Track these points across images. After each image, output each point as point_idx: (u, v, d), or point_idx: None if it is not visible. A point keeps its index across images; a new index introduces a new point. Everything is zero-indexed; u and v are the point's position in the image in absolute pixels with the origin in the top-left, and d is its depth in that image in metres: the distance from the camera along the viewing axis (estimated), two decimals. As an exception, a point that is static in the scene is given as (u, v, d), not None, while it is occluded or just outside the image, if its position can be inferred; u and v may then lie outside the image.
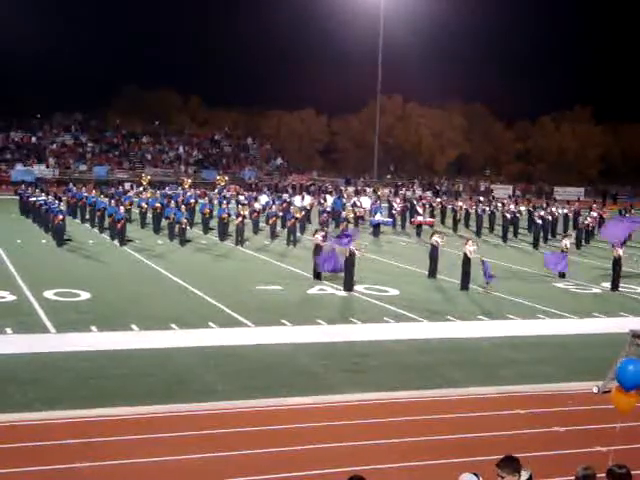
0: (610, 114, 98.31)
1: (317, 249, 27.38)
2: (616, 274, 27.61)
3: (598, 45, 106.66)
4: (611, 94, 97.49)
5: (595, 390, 15.30)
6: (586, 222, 42.48)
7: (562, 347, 19.29)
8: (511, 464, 7.03)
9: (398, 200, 50.78)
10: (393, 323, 21.02)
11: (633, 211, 48.34)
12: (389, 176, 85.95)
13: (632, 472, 7.35)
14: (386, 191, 69.05)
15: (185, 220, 36.38)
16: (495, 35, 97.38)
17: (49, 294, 22.63)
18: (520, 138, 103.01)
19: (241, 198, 49.46)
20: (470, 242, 27.49)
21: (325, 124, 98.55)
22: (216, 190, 57.44)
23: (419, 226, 43.94)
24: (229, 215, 38.08)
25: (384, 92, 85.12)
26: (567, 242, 30.59)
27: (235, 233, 36.35)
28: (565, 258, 29.50)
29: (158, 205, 40.80)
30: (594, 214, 45.78)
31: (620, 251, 28.03)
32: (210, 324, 19.77)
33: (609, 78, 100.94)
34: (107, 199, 42.46)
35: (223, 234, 37.56)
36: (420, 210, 47.55)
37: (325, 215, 41.41)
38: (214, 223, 40.03)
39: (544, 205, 50.01)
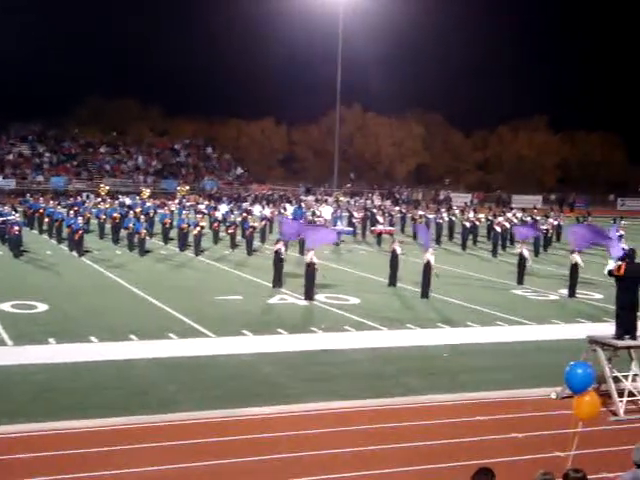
0: (567, 123, 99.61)
1: (278, 258, 27.40)
2: (573, 281, 27.93)
3: (554, 55, 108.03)
4: (567, 103, 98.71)
5: (554, 396, 15.45)
6: (543, 229, 42.93)
7: (521, 354, 19.46)
8: (485, 476, 6.98)
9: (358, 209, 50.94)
10: (354, 332, 21.06)
11: (590, 218, 48.90)
12: (349, 185, 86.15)
13: (589, 476, 7.44)
14: (346, 200, 69.28)
15: (144, 230, 36.17)
16: (453, 46, 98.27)
17: (6, 306, 22.36)
18: (478, 147, 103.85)
19: (201, 208, 49.35)
20: (430, 250, 27.72)
21: (285, 134, 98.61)
22: (176, 200, 57.20)
23: (379, 235, 44.11)
24: (189, 225, 37.93)
25: (343, 102, 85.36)
26: (525, 249, 30.85)
27: (194, 243, 36.22)
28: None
29: (117, 215, 40.52)
30: (551, 221, 46.38)
31: (578, 258, 28.38)
32: (170, 335, 19.64)
33: (565, 87, 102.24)
34: (65, 210, 42.08)
35: (183, 244, 37.39)
36: (380, 219, 47.78)
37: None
38: (174, 233, 39.84)
39: (503, 213, 50.47)
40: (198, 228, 36.63)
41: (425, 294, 26.43)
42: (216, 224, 41.91)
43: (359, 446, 12.58)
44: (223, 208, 48.10)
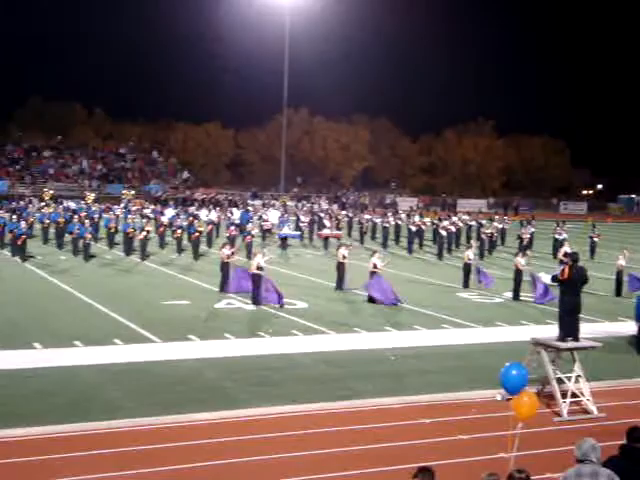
0: (511, 127, 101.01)
1: (224, 264, 27.30)
2: (517, 284, 28.28)
3: (498, 59, 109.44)
4: (511, 108, 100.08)
5: (498, 397, 15.60)
6: (488, 232, 43.44)
7: (466, 356, 19.65)
8: (424, 476, 7.02)
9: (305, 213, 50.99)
10: (301, 336, 21.07)
11: (534, 222, 49.55)
12: (296, 189, 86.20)
13: (533, 476, 7.55)
14: (293, 204, 69.33)
15: (89, 235, 35.75)
16: (400, 50, 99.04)
17: (-53, 313, 21.93)
18: (424, 151, 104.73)
19: (147, 212, 48.95)
20: (377, 254, 27.92)
21: (232, 137, 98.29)
22: (121, 204, 56.63)
23: (326, 239, 44.18)
24: (134, 230, 37.58)
25: (290, 106, 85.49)
26: (470, 253, 31.18)
27: (140, 248, 35.91)
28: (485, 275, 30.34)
29: (61, 220, 40.00)
30: (496, 225, 46.94)
31: (521, 261, 28.76)
32: (116, 341, 19.44)
33: (510, 92, 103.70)
34: (8, 214, 41.41)
35: (129, 249, 37.04)
36: (327, 223, 47.86)
37: (233, 228, 41.24)
38: (119, 238, 39.44)
39: (448, 216, 50.94)
40: (144, 232, 36.34)
41: (372, 298, 26.53)
42: (162, 228, 41.58)
43: (306, 450, 12.58)
44: (169, 212, 47.77)
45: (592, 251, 41.92)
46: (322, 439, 13.19)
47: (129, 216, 43.97)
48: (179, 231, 39.40)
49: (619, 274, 30.21)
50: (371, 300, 26.30)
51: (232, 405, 14.80)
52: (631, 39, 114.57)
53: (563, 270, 15.65)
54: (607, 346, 19.06)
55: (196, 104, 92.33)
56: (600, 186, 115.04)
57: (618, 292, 29.86)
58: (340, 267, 28.62)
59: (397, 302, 26.10)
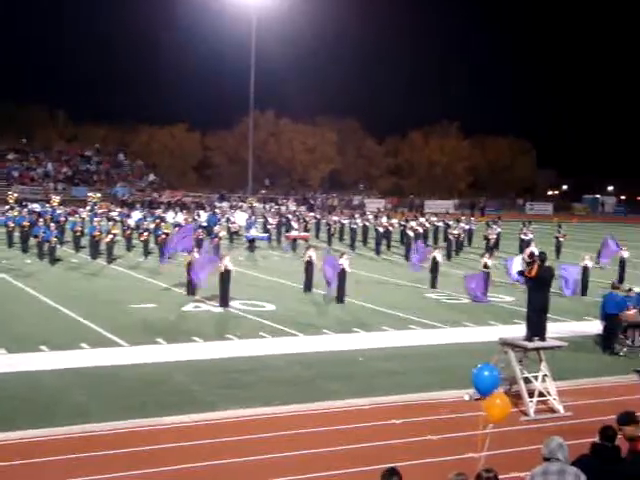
0: (477, 128, 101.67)
1: (190, 265, 27.18)
2: (484, 284, 28.44)
3: (463, 61, 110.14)
4: (477, 109, 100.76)
5: (466, 397, 15.70)
6: (455, 233, 43.66)
7: (434, 356, 19.74)
8: (391, 477, 7.03)
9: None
10: (270, 338, 21.04)
11: (500, 222, 49.87)
12: (264, 191, 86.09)
13: (501, 476, 7.60)
14: (260, 205, 69.24)
15: (54, 238, 35.43)
16: (366, 51, 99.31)
17: None
18: (391, 153, 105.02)
19: (113, 215, 48.62)
20: (345, 256, 27.96)
21: (198, 140, 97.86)
22: (87, 207, 56.20)
23: (294, 241, 44.17)
24: (101, 233, 37.30)
25: (257, 108, 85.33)
26: (438, 254, 31.33)
27: (106, 251, 35.66)
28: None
29: (26, 223, 39.61)
30: (463, 225, 47.21)
31: (488, 261, 28.97)
32: (82, 345, 19.29)
33: (475, 93, 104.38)
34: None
35: (95, 252, 36.76)
36: (295, 225, 47.86)
37: (200, 231, 41.09)
38: (85, 241, 39.14)
39: (416, 217, 51.14)
40: (110, 236, 36.09)
41: (340, 299, 26.59)
42: (129, 231, 41.31)
43: (277, 452, 12.57)
44: (136, 215, 47.46)
45: (558, 251, 42.28)
46: (293, 441, 13.18)
47: (95, 219, 43.69)
48: (146, 234, 39.19)
49: (585, 274, 30.50)
50: (339, 300, 26.37)
51: (201, 408, 14.74)
52: (597, 39, 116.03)
53: (531, 268, 15.76)
54: (573, 345, 19.30)
55: (162, 106, 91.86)
56: (565, 187, 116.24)
57: (584, 292, 30.13)
58: (308, 269, 28.62)
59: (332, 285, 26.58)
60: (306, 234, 47.58)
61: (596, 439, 8.35)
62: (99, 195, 68.36)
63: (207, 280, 26.07)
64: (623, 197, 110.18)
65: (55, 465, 11.81)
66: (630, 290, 22.49)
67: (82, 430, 13.33)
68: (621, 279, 31.43)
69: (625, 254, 33.98)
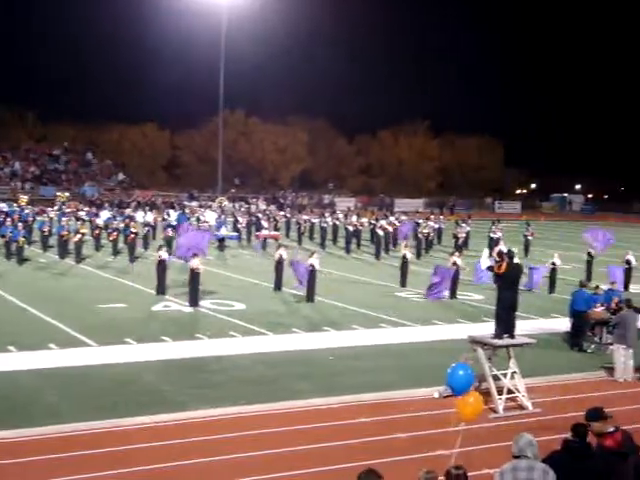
0: (446, 127, 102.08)
1: (161, 265, 27.10)
2: (454, 282, 28.58)
3: (432, 60, 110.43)
4: (446, 108, 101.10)
5: (436, 395, 15.78)
6: (425, 232, 43.82)
7: (404, 355, 19.80)
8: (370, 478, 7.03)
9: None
10: (240, 337, 21.01)
11: (469, 221, 50.12)
12: (234, 190, 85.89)
13: (470, 473, 7.65)
14: (230, 205, 69.09)
15: (22, 238, 35.12)
16: (336, 51, 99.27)
17: None
18: (361, 152, 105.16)
19: (81, 214, 48.29)
20: (315, 254, 28.01)
21: (168, 139, 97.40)
22: (55, 207, 55.77)
23: (264, 240, 44.12)
24: (69, 232, 37.02)
25: (227, 107, 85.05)
26: (407, 252, 31.45)
27: (75, 251, 35.40)
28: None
29: (-7, 223, 39.23)
30: (432, 224, 47.41)
31: (458, 260, 29.13)
32: (51, 345, 19.14)
33: (444, 92, 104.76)
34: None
35: (63, 252, 36.48)
36: (265, 224, 47.81)
37: (169, 230, 40.93)
38: (53, 241, 38.84)
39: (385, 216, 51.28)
40: (79, 235, 35.84)
41: (310, 298, 26.60)
42: (97, 231, 41.04)
43: (247, 451, 12.57)
44: (104, 214, 47.16)
45: (526, 249, 42.59)
46: (263, 440, 13.18)
47: (63, 218, 43.35)
48: (115, 233, 38.96)
49: (553, 272, 30.75)
50: (309, 299, 26.40)
51: (172, 408, 14.69)
52: (564, 37, 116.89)
53: (500, 265, 15.85)
54: (542, 343, 19.44)
55: (131, 105, 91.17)
56: (534, 185, 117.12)
57: (552, 289, 30.38)
58: (278, 268, 28.61)
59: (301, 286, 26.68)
60: (276, 233, 47.55)
61: (567, 435, 8.44)
62: (67, 194, 67.88)
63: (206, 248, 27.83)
64: (590, 195, 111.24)
65: (26, 467, 11.76)
66: (597, 287, 22.70)
67: (55, 431, 13.25)
68: (589, 277, 31.72)
69: (593, 252, 34.29)
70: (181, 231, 31.37)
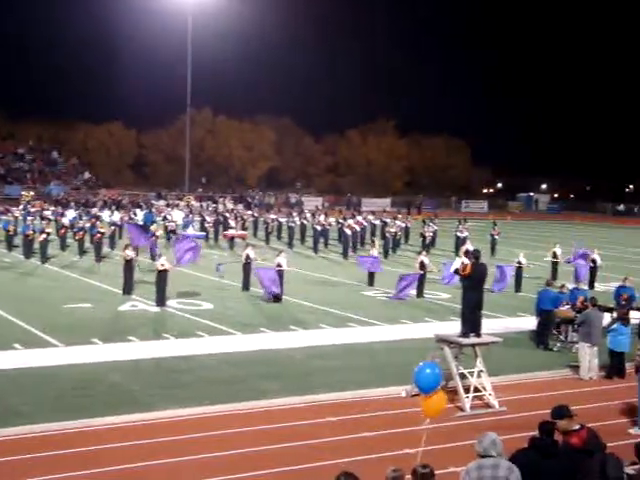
0: (413, 127, 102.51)
1: (127, 265, 26.94)
2: (420, 282, 28.71)
3: (399, 59, 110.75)
4: (413, 108, 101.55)
5: (403, 394, 15.84)
6: (392, 231, 43.92)
7: (372, 354, 19.85)
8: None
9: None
10: (207, 337, 20.94)
11: (436, 220, 50.30)
12: (201, 189, 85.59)
13: (437, 471, 7.69)
14: (197, 204, 68.84)
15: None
16: (304, 49, 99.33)
17: None
18: (329, 151, 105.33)
19: (47, 214, 47.84)
20: (283, 254, 28.01)
21: (134, 137, 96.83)
22: (20, 206, 55.23)
23: (231, 239, 44.01)
24: (34, 232, 36.66)
25: (194, 105, 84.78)
26: (374, 251, 31.53)
27: (40, 250, 35.07)
28: (377, 260, 30.82)
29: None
30: (399, 223, 47.54)
31: (425, 259, 29.27)
32: (15, 345, 18.95)
33: (411, 91, 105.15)
34: None
35: (28, 252, 36.11)
36: (232, 223, 47.69)
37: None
38: (18, 240, 38.44)
39: (353, 216, 51.34)
40: (44, 235, 35.48)
41: (278, 298, 26.56)
42: (63, 230, 40.67)
43: (214, 452, 12.55)
44: (70, 214, 46.78)
45: (492, 248, 42.86)
46: (231, 440, 13.16)
47: (28, 218, 42.95)
48: (81, 233, 38.63)
49: (519, 271, 30.98)
50: (276, 298, 26.36)
51: (139, 408, 14.62)
52: (530, 37, 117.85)
53: (465, 266, 15.95)
54: (508, 341, 19.59)
55: (97, 103, 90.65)
56: (500, 185, 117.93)
57: (518, 288, 30.60)
58: (246, 267, 28.55)
59: (273, 295, 26.29)
60: (244, 232, 47.44)
61: (534, 433, 8.51)
62: (32, 194, 67.26)
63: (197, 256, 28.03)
64: (557, 195, 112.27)
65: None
66: (563, 286, 22.91)
67: (17, 432, 13.13)
68: (554, 276, 32.00)
69: (559, 251, 34.54)
70: (175, 242, 31.19)
